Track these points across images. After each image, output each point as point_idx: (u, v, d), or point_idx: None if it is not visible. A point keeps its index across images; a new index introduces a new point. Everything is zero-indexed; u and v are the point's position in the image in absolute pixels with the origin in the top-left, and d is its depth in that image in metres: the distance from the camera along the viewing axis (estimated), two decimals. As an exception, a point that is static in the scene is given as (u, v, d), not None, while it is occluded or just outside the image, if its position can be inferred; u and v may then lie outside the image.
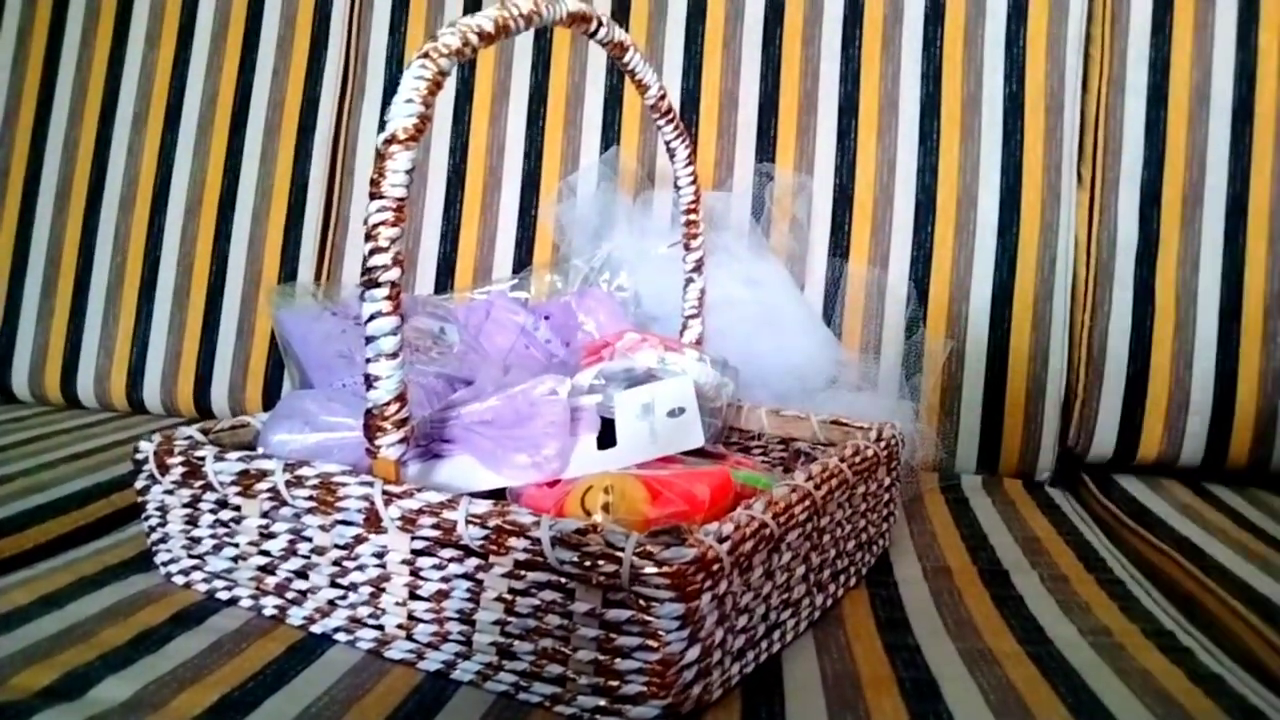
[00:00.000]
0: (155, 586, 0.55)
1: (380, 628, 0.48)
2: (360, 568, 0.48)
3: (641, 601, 0.40)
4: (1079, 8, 0.88)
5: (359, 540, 0.48)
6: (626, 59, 0.63)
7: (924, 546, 0.66)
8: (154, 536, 0.57)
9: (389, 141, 0.44)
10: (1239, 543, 0.66)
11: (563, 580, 0.42)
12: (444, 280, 0.98)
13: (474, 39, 0.47)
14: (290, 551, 0.51)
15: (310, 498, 0.49)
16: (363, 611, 0.49)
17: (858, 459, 0.57)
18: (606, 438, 0.57)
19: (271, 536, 0.52)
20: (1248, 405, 0.83)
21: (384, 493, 0.46)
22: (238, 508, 0.53)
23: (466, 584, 0.45)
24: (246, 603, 0.53)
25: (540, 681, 0.43)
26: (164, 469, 0.55)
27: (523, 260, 0.96)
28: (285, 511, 0.51)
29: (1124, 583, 0.59)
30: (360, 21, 1.03)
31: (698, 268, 0.75)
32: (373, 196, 0.45)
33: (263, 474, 0.51)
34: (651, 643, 0.40)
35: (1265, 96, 0.83)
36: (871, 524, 0.60)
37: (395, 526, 0.46)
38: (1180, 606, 0.57)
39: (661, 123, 0.68)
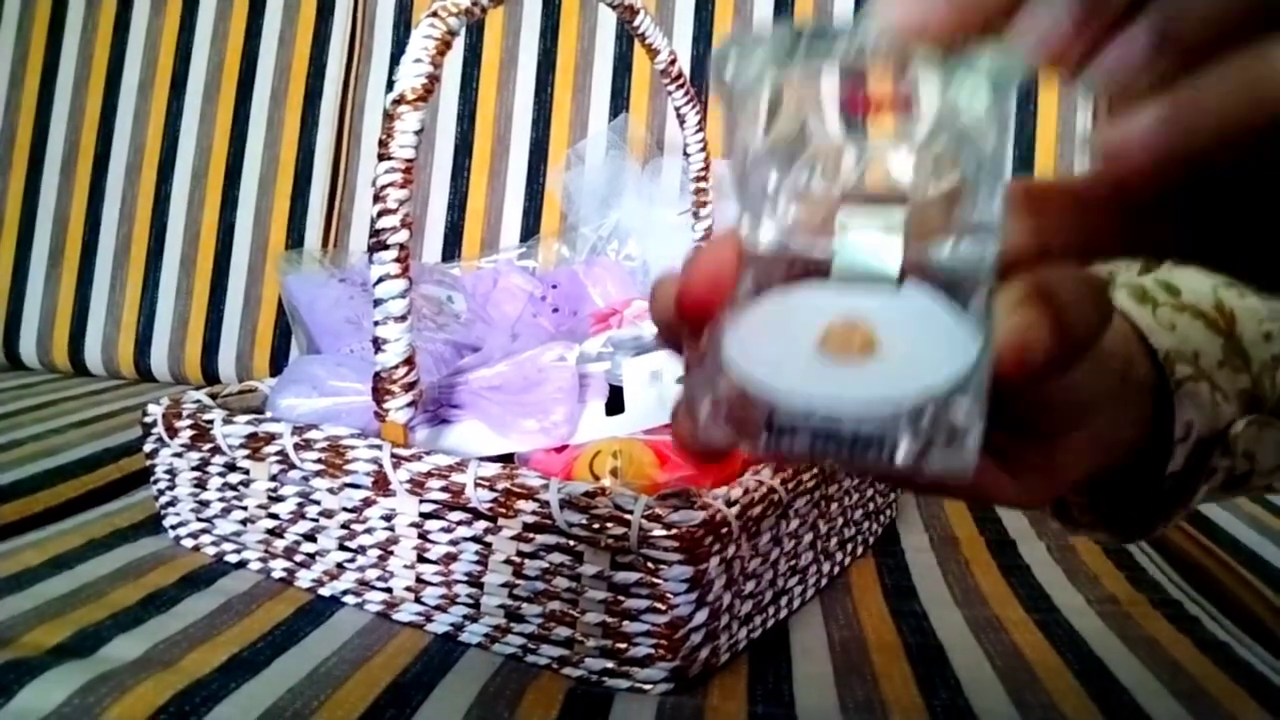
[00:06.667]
0: (164, 549, 0.56)
1: (389, 590, 0.48)
2: (369, 531, 0.48)
3: (650, 564, 0.40)
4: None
5: (367, 503, 0.48)
6: (636, 23, 0.62)
7: (931, 517, 0.65)
8: (163, 500, 0.57)
9: (397, 102, 0.44)
10: (1248, 513, 0.65)
11: (571, 543, 0.42)
12: (451, 249, 0.97)
13: (483, -2, 0.46)
14: (299, 515, 0.51)
15: (319, 461, 0.49)
16: (371, 574, 0.49)
17: (866, 427, 0.56)
18: (615, 404, 0.56)
19: (280, 500, 0.52)
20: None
21: (393, 456, 0.46)
22: (246, 471, 0.53)
23: (475, 547, 0.45)
24: (255, 565, 0.53)
25: (548, 644, 0.43)
26: (172, 432, 0.55)
27: (531, 228, 0.95)
28: (293, 475, 0.51)
29: (1131, 552, 0.59)
30: (367, -14, 1.02)
31: (707, 236, 0.74)
32: (381, 158, 0.44)
33: (271, 437, 0.51)
34: (659, 605, 0.40)
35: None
36: (879, 493, 0.60)
37: (404, 489, 0.46)
38: (1187, 575, 0.57)
39: (672, 88, 0.67)
